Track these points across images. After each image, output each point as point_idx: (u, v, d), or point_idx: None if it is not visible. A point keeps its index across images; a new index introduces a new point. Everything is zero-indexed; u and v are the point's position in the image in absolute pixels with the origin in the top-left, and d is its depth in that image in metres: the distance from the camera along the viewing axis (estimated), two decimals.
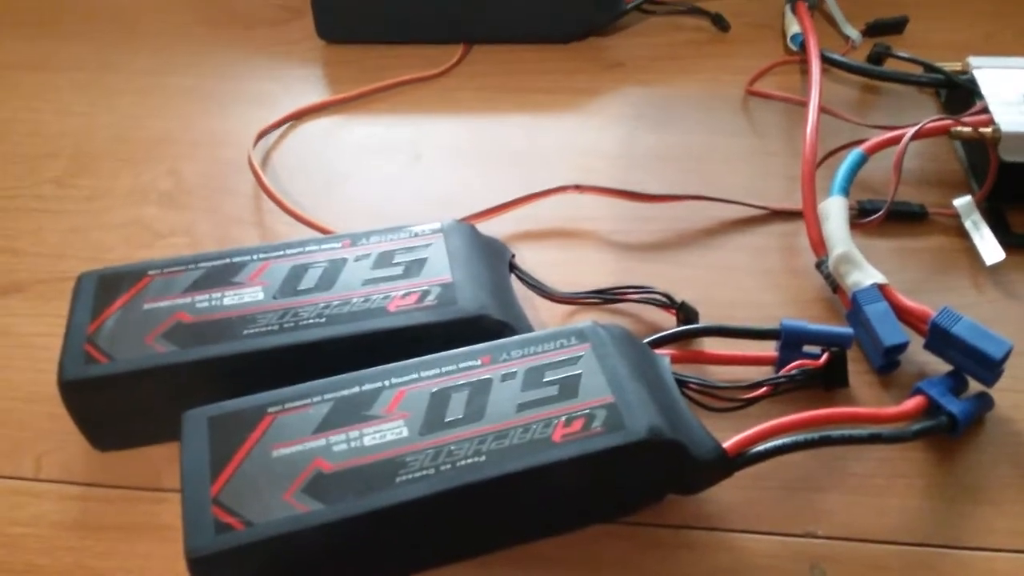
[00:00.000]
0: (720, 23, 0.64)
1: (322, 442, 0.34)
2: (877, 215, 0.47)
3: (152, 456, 0.40)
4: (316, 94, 0.60)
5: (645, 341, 0.40)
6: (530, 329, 0.41)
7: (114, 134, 0.57)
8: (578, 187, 0.50)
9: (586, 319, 0.44)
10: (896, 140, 0.48)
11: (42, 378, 0.42)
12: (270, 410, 0.35)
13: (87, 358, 0.37)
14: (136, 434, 0.40)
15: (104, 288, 0.40)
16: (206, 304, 0.39)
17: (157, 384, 0.38)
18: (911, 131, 0.47)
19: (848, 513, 0.37)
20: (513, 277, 0.44)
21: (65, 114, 0.59)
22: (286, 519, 0.32)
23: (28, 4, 0.68)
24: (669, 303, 0.44)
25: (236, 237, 0.50)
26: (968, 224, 0.48)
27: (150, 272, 0.41)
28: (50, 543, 0.37)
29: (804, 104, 0.53)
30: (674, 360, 0.40)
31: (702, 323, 0.43)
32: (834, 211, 0.45)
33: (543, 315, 0.45)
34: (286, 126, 0.58)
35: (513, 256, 0.45)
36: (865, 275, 0.43)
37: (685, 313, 0.44)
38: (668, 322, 0.45)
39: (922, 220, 0.49)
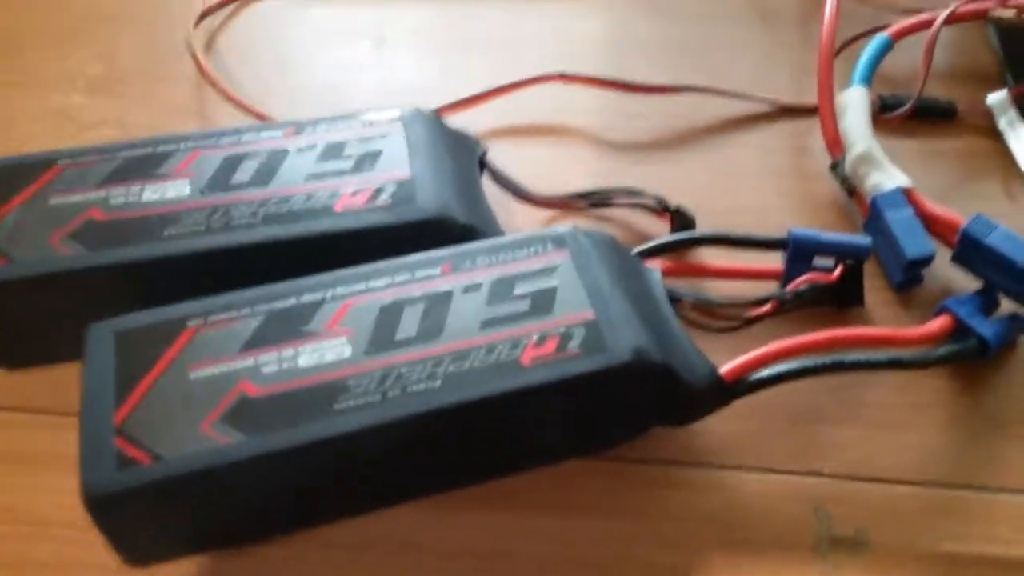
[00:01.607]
0: None
1: (249, 362, 0.29)
2: (902, 110, 0.41)
3: (61, 375, 0.34)
4: None
5: (634, 251, 0.35)
6: (501, 235, 0.35)
7: (38, 12, 0.51)
8: (563, 76, 0.44)
9: (568, 224, 0.39)
10: (926, 24, 0.42)
11: None
12: (190, 323, 0.30)
13: None
14: (42, 350, 0.34)
15: (6, 180, 0.34)
16: (122, 200, 0.34)
17: (64, 291, 0.32)
18: (944, 13, 0.41)
19: (859, 449, 0.33)
20: (484, 176, 0.39)
21: None
22: (202, 452, 0.27)
23: None
24: (662, 208, 0.38)
25: (173, 128, 0.44)
26: (1003, 123, 0.43)
27: (60, 162, 0.35)
28: None
29: None
30: (666, 273, 0.35)
31: (699, 231, 0.38)
32: (854, 104, 0.40)
33: (518, 220, 0.40)
34: (235, 4, 0.51)
35: (485, 152, 0.39)
36: (887, 177, 0.37)
37: (680, 219, 0.38)
38: (661, 230, 0.39)
39: (951, 118, 0.44)
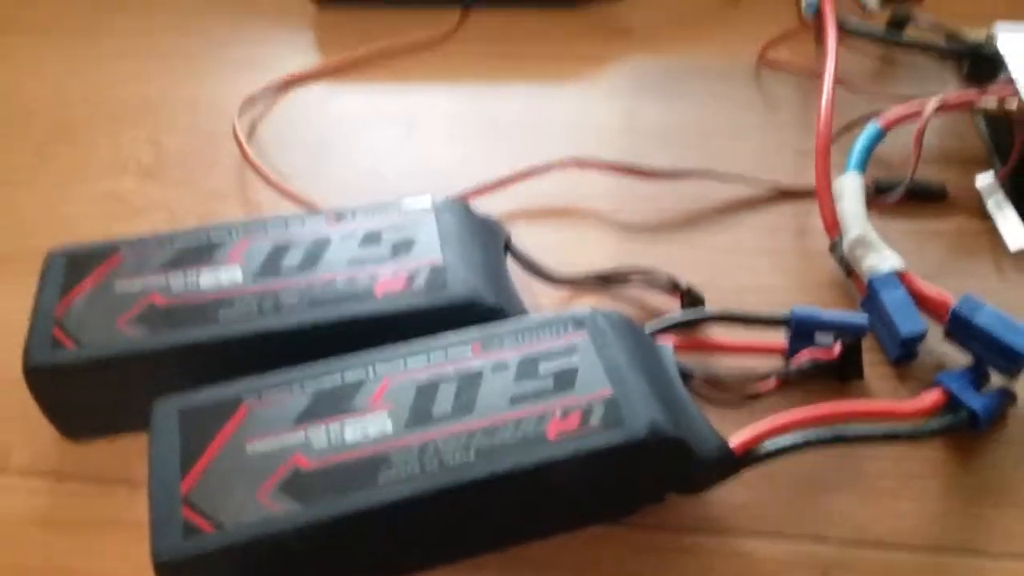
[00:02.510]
0: None
1: (300, 436, 0.32)
2: (895, 193, 0.44)
3: (125, 446, 0.37)
4: (307, 60, 0.57)
5: (647, 328, 0.38)
6: (525, 313, 0.38)
7: (93, 101, 0.55)
8: (578, 162, 0.48)
9: (585, 303, 0.42)
10: (916, 113, 0.45)
11: (11, 361, 0.40)
12: (245, 400, 0.33)
13: (54, 342, 0.35)
14: (107, 422, 0.37)
15: (73, 267, 0.38)
16: (181, 285, 0.37)
17: (128, 371, 0.35)
18: (933, 104, 0.45)
19: (861, 516, 0.35)
20: (509, 259, 0.42)
21: (42, 77, 0.56)
22: (260, 521, 0.29)
23: None
24: (673, 287, 0.42)
25: (218, 212, 0.48)
26: (991, 204, 0.46)
27: (122, 249, 0.38)
28: (18, 539, 0.35)
29: (819, 75, 0.51)
30: (677, 349, 0.38)
31: (708, 309, 0.41)
32: (849, 189, 0.43)
33: (541, 299, 0.43)
34: (274, 94, 0.55)
35: (509, 236, 0.42)
36: (882, 259, 0.40)
37: (690, 298, 0.41)
38: (672, 307, 0.42)
39: (942, 200, 0.47)
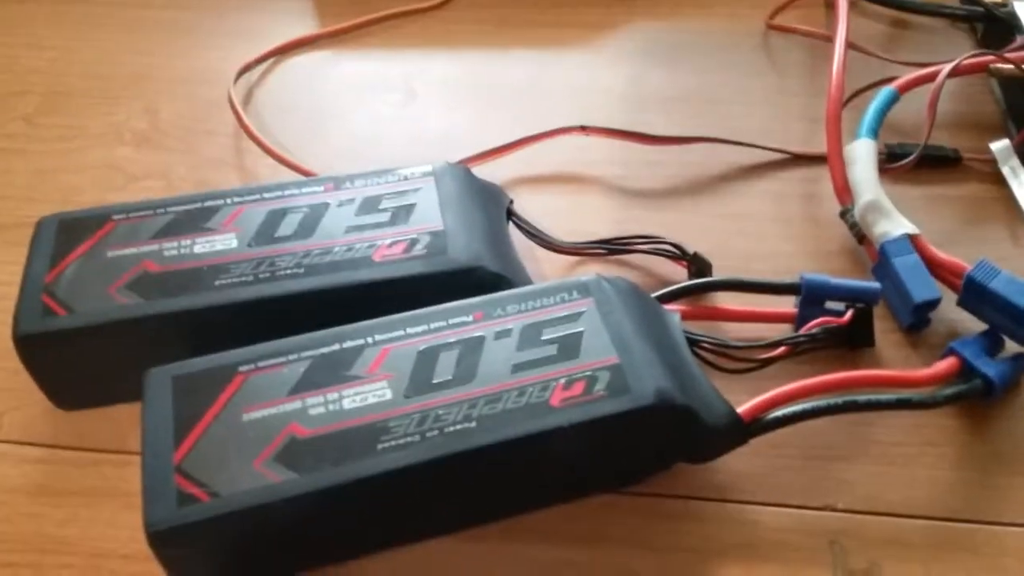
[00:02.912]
0: None
1: (297, 405, 0.31)
2: (908, 160, 0.43)
3: (117, 416, 0.37)
4: (303, 27, 0.56)
5: (654, 296, 0.37)
6: (529, 282, 0.38)
7: (88, 70, 0.54)
8: (583, 128, 0.47)
9: (590, 271, 0.41)
10: (931, 78, 0.44)
11: (4, 331, 0.39)
12: (241, 369, 0.32)
13: (45, 310, 0.34)
14: (100, 392, 0.36)
15: (64, 233, 0.37)
16: (175, 252, 0.36)
17: (121, 339, 0.35)
18: (948, 67, 0.43)
19: (871, 484, 0.34)
20: (511, 225, 0.41)
21: (38, 48, 0.55)
22: (256, 490, 0.29)
23: None
24: (680, 254, 0.41)
25: (214, 181, 0.47)
26: (1006, 170, 0.45)
27: (115, 216, 0.37)
28: (10, 509, 0.35)
29: (829, 39, 0.49)
30: (684, 317, 0.37)
31: (716, 276, 0.40)
32: (862, 155, 0.42)
33: (544, 267, 0.42)
34: (270, 61, 0.54)
35: (511, 202, 0.41)
36: (894, 225, 0.39)
37: (697, 265, 0.40)
38: (679, 275, 0.41)
39: (956, 165, 0.46)
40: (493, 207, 0.40)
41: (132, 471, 0.35)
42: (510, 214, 0.41)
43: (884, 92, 0.44)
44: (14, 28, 0.57)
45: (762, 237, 0.43)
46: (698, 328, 0.37)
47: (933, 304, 0.38)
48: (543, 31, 0.55)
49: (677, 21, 0.56)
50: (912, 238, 0.39)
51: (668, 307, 0.37)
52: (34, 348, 0.34)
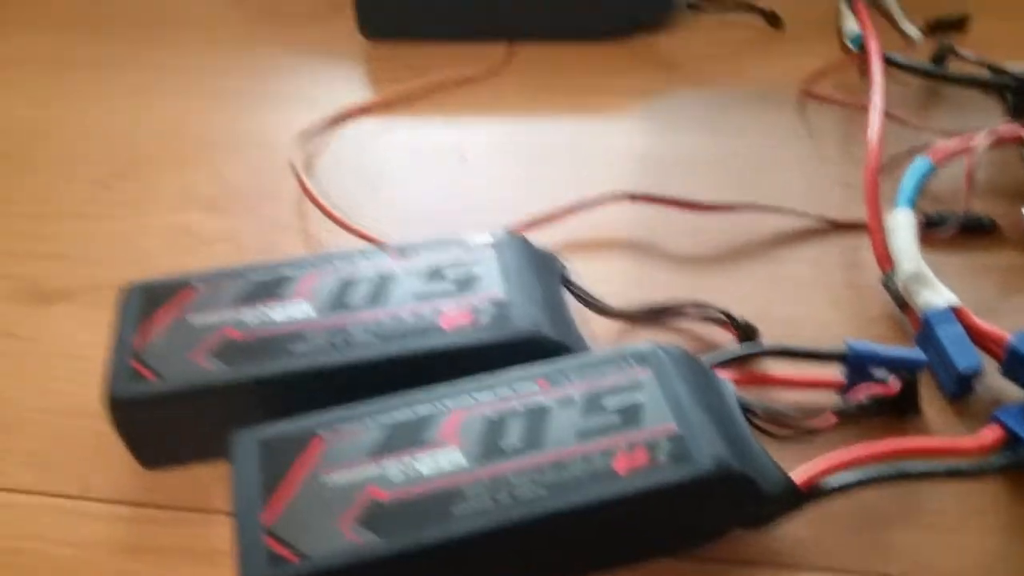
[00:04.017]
0: (774, 21, 0.61)
1: (375, 468, 0.33)
2: (946, 229, 0.45)
3: (199, 475, 0.39)
4: (359, 94, 0.59)
5: (705, 362, 0.39)
6: (587, 348, 0.39)
7: (158, 136, 0.56)
8: (631, 196, 0.49)
9: (641, 336, 0.43)
10: (966, 148, 0.46)
11: (87, 392, 0.41)
12: (321, 432, 0.34)
13: (134, 375, 0.36)
14: (183, 452, 0.39)
15: (149, 300, 0.39)
16: (254, 319, 0.38)
17: (206, 402, 0.37)
18: (984, 139, 0.45)
19: (922, 552, 0.35)
20: (566, 291, 0.43)
21: (110, 114, 0.58)
22: (341, 552, 0.30)
23: (71, 2, 0.67)
24: (728, 321, 0.42)
25: (280, 243, 0.49)
26: None
27: (195, 284, 0.40)
28: (99, 566, 0.36)
29: (864, 108, 0.51)
30: (736, 383, 0.38)
31: (764, 343, 0.42)
32: (902, 225, 0.43)
33: (596, 329, 0.44)
34: (329, 127, 0.56)
35: (566, 270, 0.43)
36: (937, 295, 0.41)
37: (745, 332, 0.42)
38: (726, 340, 0.43)
39: (991, 233, 0.47)
40: (549, 275, 0.42)
41: (214, 529, 0.37)
42: (565, 281, 0.43)
43: (921, 163, 0.46)
44: (87, 94, 0.60)
45: (805, 303, 0.45)
46: (747, 393, 0.38)
47: (976, 373, 0.39)
48: (588, 98, 0.58)
49: (715, 88, 0.58)
50: (955, 309, 0.40)
51: (720, 373, 0.39)
52: (124, 411, 0.36)
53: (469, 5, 0.60)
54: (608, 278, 0.46)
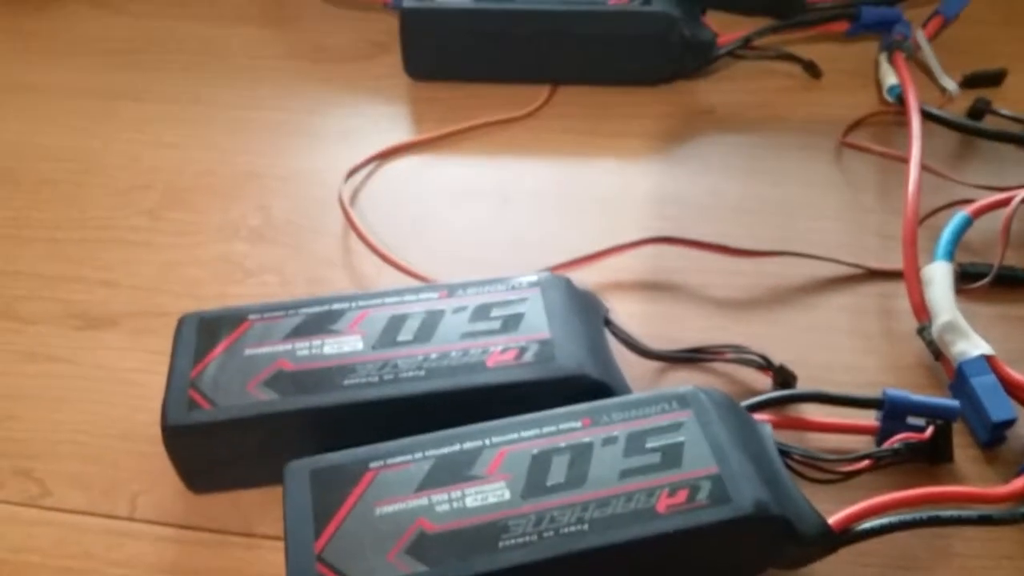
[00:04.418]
0: (812, 70, 0.63)
1: (424, 501, 0.34)
2: (982, 283, 0.45)
3: (245, 500, 0.40)
4: (403, 132, 0.60)
5: (743, 405, 0.39)
6: (628, 388, 0.40)
7: (205, 168, 0.58)
8: (668, 239, 0.50)
9: (679, 378, 0.44)
10: (1003, 203, 0.47)
11: (136, 416, 0.43)
12: (372, 465, 0.35)
13: (190, 404, 0.38)
14: (231, 478, 0.40)
15: (205, 331, 0.41)
16: (306, 352, 0.39)
17: (258, 431, 0.38)
18: (1020, 196, 0.46)
19: None
20: (607, 332, 0.44)
21: (158, 146, 0.60)
22: None
23: (120, 34, 0.69)
24: (766, 365, 0.43)
25: (326, 277, 0.50)
26: None
27: (250, 316, 0.41)
28: None
29: (901, 159, 0.53)
30: (773, 426, 0.39)
31: (801, 388, 0.42)
32: (939, 277, 0.44)
33: (634, 371, 0.44)
34: (373, 164, 0.58)
35: (608, 311, 0.44)
36: (972, 345, 0.42)
37: (782, 375, 0.43)
38: (762, 383, 0.44)
39: None
40: (592, 315, 0.43)
41: (260, 554, 0.38)
42: (607, 322, 0.44)
43: (959, 217, 0.47)
44: (135, 126, 0.62)
45: (841, 350, 0.46)
46: (783, 436, 0.39)
47: (1010, 423, 0.40)
48: (627, 141, 0.59)
49: (753, 135, 0.59)
50: (988, 359, 0.41)
51: (758, 416, 0.39)
52: (180, 438, 0.38)
53: (513, 50, 0.62)
54: (645, 320, 0.47)
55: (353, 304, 0.41)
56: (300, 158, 0.59)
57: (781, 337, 0.46)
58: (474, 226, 0.54)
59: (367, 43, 0.68)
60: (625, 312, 0.47)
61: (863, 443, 0.41)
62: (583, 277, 0.48)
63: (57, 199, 0.56)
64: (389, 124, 0.61)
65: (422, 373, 0.38)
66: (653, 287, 0.50)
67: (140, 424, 0.43)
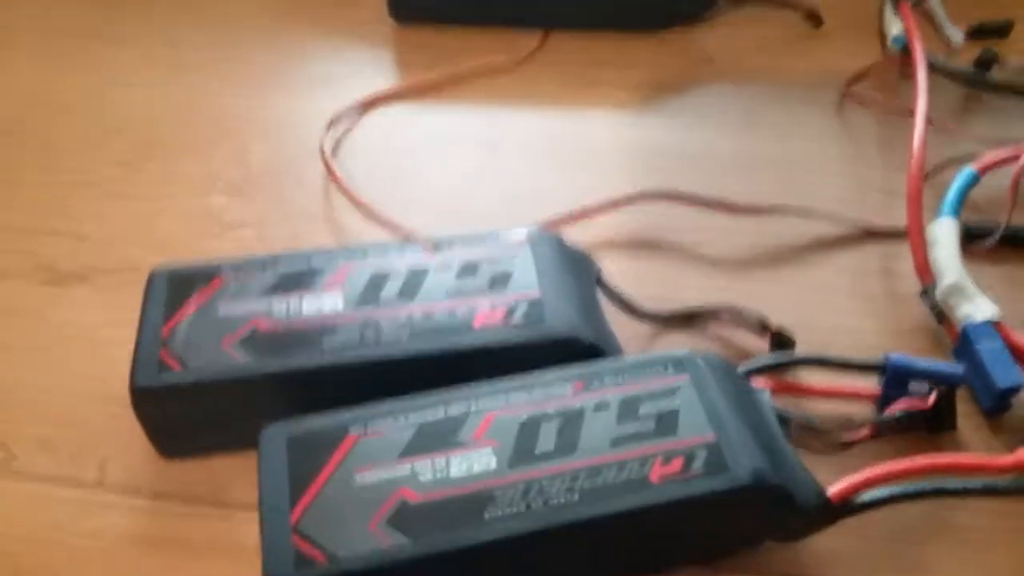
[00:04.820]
0: (814, 19, 0.60)
1: (407, 469, 0.32)
2: (989, 241, 0.44)
3: (219, 466, 0.38)
4: (387, 79, 0.58)
5: (740, 369, 0.38)
6: (620, 351, 0.39)
7: (180, 113, 0.55)
8: (664, 194, 0.48)
9: (672, 340, 0.43)
10: (1011, 158, 0.45)
11: (106, 374, 0.41)
12: (352, 430, 0.33)
13: (160, 365, 0.36)
14: (204, 443, 0.38)
15: (176, 287, 0.39)
16: (283, 310, 0.37)
17: (233, 394, 0.36)
18: None
19: (955, 567, 0.35)
20: (599, 292, 0.42)
21: (131, 88, 0.57)
22: (370, 553, 0.30)
23: None
24: (763, 327, 0.41)
25: (306, 230, 0.48)
26: None
27: (224, 271, 0.39)
28: (113, 557, 0.36)
29: (907, 112, 0.50)
30: (771, 392, 0.38)
31: (801, 352, 0.41)
32: (944, 236, 0.42)
33: (626, 332, 0.43)
34: (356, 113, 0.55)
35: (600, 270, 0.42)
36: (977, 309, 0.40)
37: (779, 339, 0.41)
38: (758, 346, 0.42)
39: None
40: (584, 275, 0.41)
41: (234, 524, 0.37)
42: (599, 282, 0.42)
43: (966, 173, 0.45)
44: (107, 68, 0.59)
45: (841, 312, 0.44)
46: (781, 402, 0.38)
47: (1016, 390, 0.38)
48: (622, 91, 0.57)
49: (752, 86, 0.57)
50: (995, 323, 0.40)
51: (755, 382, 0.38)
52: (149, 401, 0.36)
53: None
54: (639, 278, 0.45)
55: (333, 259, 0.39)
56: (280, 106, 0.56)
57: (779, 298, 0.45)
58: (461, 178, 0.52)
59: None
60: (618, 271, 0.45)
61: (863, 409, 0.39)
62: (575, 233, 0.46)
63: (25, 145, 0.54)
64: (373, 70, 0.59)
65: (405, 334, 0.37)
66: (647, 245, 0.48)
67: (108, 384, 0.40)
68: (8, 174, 0.52)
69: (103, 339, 0.43)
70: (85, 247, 0.48)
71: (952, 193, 0.44)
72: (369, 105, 0.56)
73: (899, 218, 0.45)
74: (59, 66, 0.59)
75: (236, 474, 0.38)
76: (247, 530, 0.35)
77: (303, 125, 0.54)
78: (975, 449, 0.38)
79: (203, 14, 0.63)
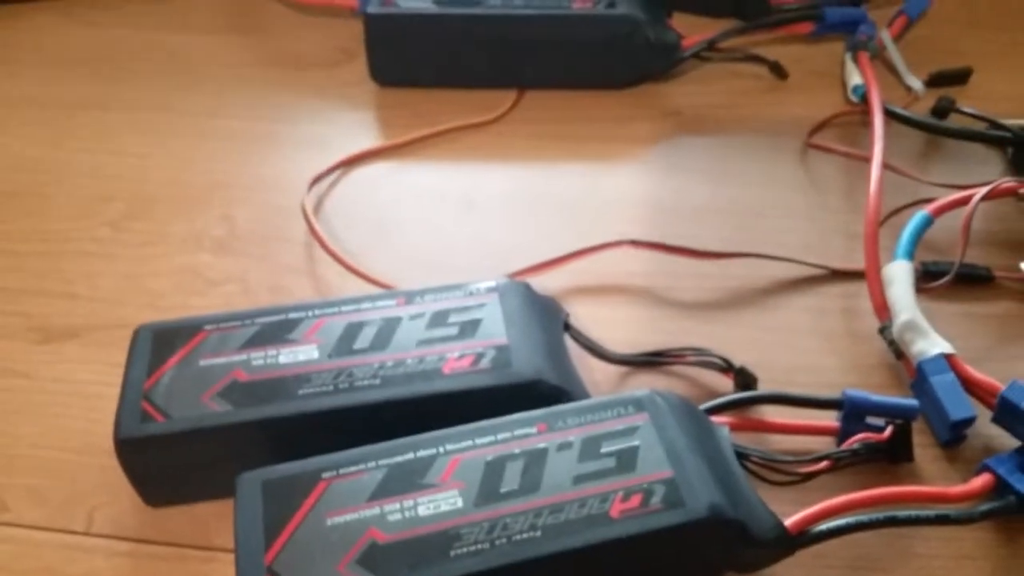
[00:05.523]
0: (778, 71, 0.63)
1: (376, 511, 0.33)
2: (943, 280, 0.45)
3: (202, 513, 0.39)
4: (369, 139, 0.60)
5: (702, 407, 0.39)
6: (586, 393, 0.40)
7: (169, 177, 0.58)
8: (634, 243, 0.50)
9: (641, 382, 0.44)
10: (963, 202, 0.47)
11: (95, 428, 0.43)
12: (324, 475, 0.35)
13: (143, 416, 0.37)
14: (187, 490, 0.39)
15: (160, 342, 0.40)
16: (261, 362, 0.39)
17: (213, 443, 0.38)
18: (980, 193, 0.46)
19: None
20: (567, 337, 0.44)
21: (122, 156, 0.59)
22: None
23: (84, 43, 0.69)
24: (726, 367, 0.43)
25: (289, 286, 0.50)
26: None
27: (206, 327, 0.41)
28: None
29: (866, 159, 0.53)
30: (732, 429, 0.39)
31: (761, 390, 0.42)
32: (899, 276, 0.44)
33: (596, 375, 0.45)
34: (338, 172, 0.58)
35: (568, 316, 0.44)
36: (931, 344, 0.41)
37: (743, 378, 0.43)
38: (725, 386, 0.44)
39: (988, 284, 0.48)
40: (551, 321, 0.43)
41: (216, 567, 0.38)
42: (567, 327, 0.44)
43: (919, 216, 0.47)
44: (98, 135, 0.61)
45: (803, 351, 0.46)
46: (743, 439, 0.39)
47: (969, 422, 0.40)
48: (593, 145, 0.59)
49: (720, 137, 0.59)
50: (948, 357, 0.41)
51: (716, 419, 0.39)
52: (133, 451, 0.37)
53: (478, 55, 0.62)
54: (610, 323, 0.47)
55: (310, 313, 0.41)
56: (266, 166, 0.59)
57: (744, 339, 0.46)
58: (439, 232, 0.54)
59: (335, 50, 0.68)
60: (590, 316, 0.47)
61: (824, 444, 0.41)
62: (549, 281, 0.48)
63: (19, 211, 0.56)
64: (356, 130, 0.61)
65: (377, 381, 0.38)
66: (618, 291, 0.50)
67: (98, 437, 0.42)
68: (3, 240, 0.54)
69: (92, 394, 0.45)
70: (76, 306, 0.49)
71: (906, 236, 0.46)
72: (352, 163, 0.58)
73: (859, 260, 0.47)
74: (47, 133, 0.61)
75: (218, 519, 0.39)
76: (228, 572, 0.36)
77: (288, 184, 0.56)
78: (932, 480, 0.40)
79: (193, 83, 0.65)
